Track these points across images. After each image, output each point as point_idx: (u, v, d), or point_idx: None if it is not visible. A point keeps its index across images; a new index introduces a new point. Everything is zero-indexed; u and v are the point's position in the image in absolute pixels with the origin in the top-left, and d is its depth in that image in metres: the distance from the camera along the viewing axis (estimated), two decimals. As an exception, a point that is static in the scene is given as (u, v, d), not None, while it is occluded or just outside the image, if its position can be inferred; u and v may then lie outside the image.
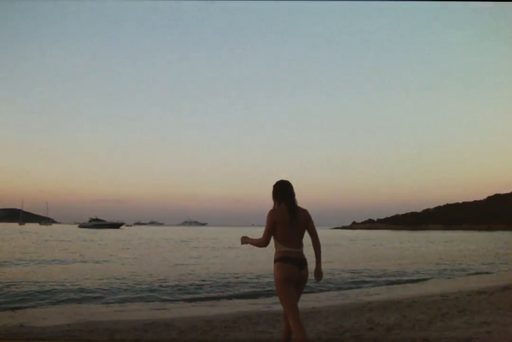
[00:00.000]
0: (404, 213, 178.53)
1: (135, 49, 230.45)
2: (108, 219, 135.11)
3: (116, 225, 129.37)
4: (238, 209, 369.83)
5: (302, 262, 4.38)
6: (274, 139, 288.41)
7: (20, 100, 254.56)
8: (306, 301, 12.23)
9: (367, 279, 17.52)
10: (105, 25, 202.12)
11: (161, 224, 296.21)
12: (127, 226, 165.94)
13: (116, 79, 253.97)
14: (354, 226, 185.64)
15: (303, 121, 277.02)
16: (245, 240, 4.72)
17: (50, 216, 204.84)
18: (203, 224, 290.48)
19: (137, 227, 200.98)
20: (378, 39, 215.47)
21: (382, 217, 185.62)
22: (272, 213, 4.50)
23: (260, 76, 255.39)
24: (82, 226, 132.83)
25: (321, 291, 14.38)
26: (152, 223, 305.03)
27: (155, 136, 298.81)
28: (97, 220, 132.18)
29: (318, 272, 4.59)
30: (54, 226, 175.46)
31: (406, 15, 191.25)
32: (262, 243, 4.48)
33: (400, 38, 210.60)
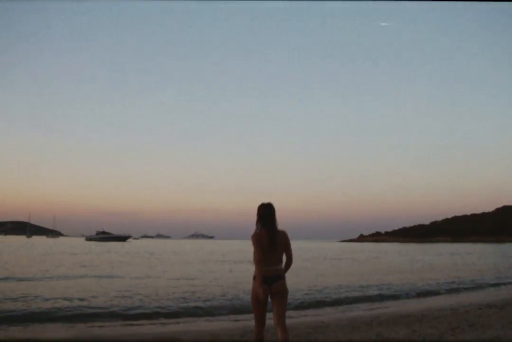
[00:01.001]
0: (411, 225, 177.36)
1: (136, 50, 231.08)
2: (115, 231, 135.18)
3: (123, 238, 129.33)
4: (245, 222, 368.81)
5: (276, 278, 5.17)
6: (280, 152, 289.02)
7: (28, 112, 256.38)
8: (314, 316, 12.13)
9: (376, 292, 17.31)
10: (106, 26, 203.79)
11: (168, 237, 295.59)
12: (134, 238, 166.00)
13: (120, 88, 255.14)
14: (361, 238, 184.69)
15: (309, 133, 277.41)
16: (257, 280, 5.13)
17: (57, 228, 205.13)
18: (210, 237, 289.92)
19: (144, 239, 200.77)
20: (381, 41, 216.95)
21: (390, 230, 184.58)
22: (254, 237, 5.16)
23: (264, 80, 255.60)
24: (89, 238, 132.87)
25: (330, 305, 14.23)
26: (159, 236, 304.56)
27: (162, 151, 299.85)
28: (104, 232, 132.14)
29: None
30: (61, 238, 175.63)
31: (411, 16, 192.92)
32: (259, 262, 5.09)
33: (404, 40, 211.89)
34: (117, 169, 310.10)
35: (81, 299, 14.02)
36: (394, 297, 16.41)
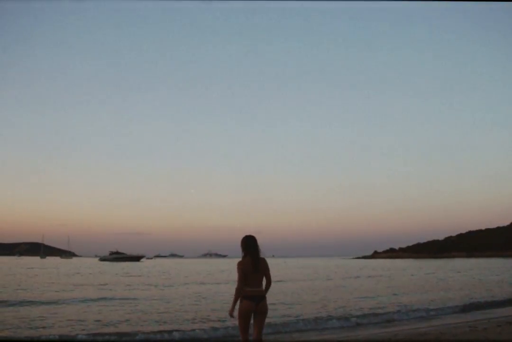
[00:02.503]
0: (425, 241, 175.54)
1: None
2: (128, 251, 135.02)
3: (136, 258, 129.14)
4: (259, 240, 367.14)
5: (260, 298, 6.23)
6: (291, 168, 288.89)
7: (36, 127, 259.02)
8: (324, 335, 12.07)
9: (389, 309, 17.18)
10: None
11: (181, 256, 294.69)
12: (147, 258, 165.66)
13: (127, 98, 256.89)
14: (376, 255, 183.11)
15: (319, 148, 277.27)
16: (232, 308, 6.30)
17: (71, 249, 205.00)
18: (224, 256, 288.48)
19: (157, 259, 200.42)
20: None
21: (404, 246, 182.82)
22: (240, 265, 6.26)
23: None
24: (102, 259, 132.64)
25: (342, 327, 14.10)
26: (172, 255, 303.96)
27: (174, 171, 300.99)
28: (117, 253, 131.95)
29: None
30: (74, 259, 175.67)
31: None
32: (239, 289, 6.21)
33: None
34: (130, 189, 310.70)
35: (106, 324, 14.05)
36: (412, 314, 16.27)
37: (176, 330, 12.45)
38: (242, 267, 6.22)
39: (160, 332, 12.31)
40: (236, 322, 6.39)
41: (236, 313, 6.26)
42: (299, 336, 12.13)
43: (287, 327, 13.27)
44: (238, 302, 6.27)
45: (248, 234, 6.50)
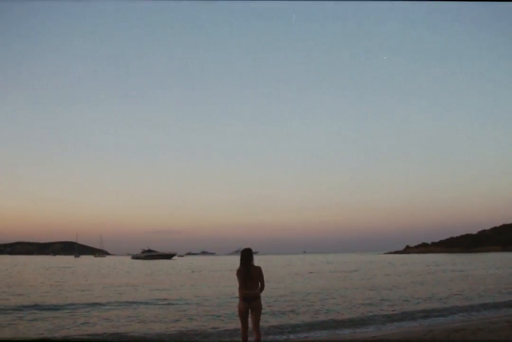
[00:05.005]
0: (458, 235, 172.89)
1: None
2: (160, 249, 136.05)
3: (168, 256, 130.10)
4: (290, 237, 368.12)
5: (253, 298, 7.65)
6: (323, 164, 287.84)
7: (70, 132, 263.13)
8: (366, 332, 12.01)
9: (433, 306, 17.01)
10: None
11: (213, 254, 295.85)
12: (179, 256, 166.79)
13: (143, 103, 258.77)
14: (408, 250, 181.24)
15: (346, 146, 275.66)
16: (240, 299, 7.73)
17: (104, 248, 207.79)
18: (255, 253, 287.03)
19: (188, 257, 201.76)
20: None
21: (436, 240, 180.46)
22: (237, 272, 7.78)
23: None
24: (135, 257, 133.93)
25: (382, 322, 14.04)
26: (204, 253, 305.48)
27: (205, 169, 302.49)
28: (149, 251, 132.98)
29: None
30: (107, 257, 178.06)
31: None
32: (240, 289, 7.69)
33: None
34: (161, 188, 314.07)
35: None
36: (446, 310, 16.12)
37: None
38: (238, 274, 7.79)
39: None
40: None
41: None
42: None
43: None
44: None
45: (246, 247, 8.04)
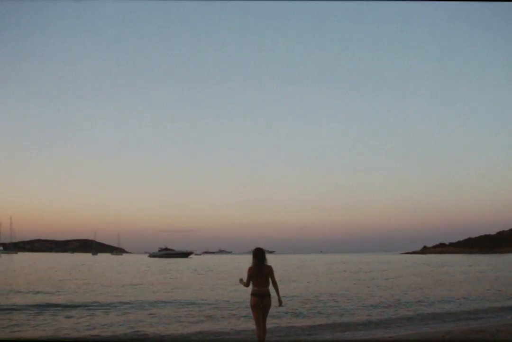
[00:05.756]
0: (477, 235, 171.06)
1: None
2: (177, 248, 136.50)
3: (185, 254, 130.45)
4: (306, 236, 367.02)
5: (265, 295, 8.03)
6: (342, 164, 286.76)
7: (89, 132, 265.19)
8: (382, 330, 12.04)
9: (453, 307, 16.97)
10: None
11: (230, 253, 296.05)
12: (196, 255, 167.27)
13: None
14: (425, 250, 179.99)
15: (360, 147, 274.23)
16: (240, 281, 8.32)
17: (121, 246, 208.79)
18: (271, 252, 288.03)
19: (205, 255, 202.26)
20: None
21: (454, 241, 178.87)
22: (249, 269, 8.15)
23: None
24: (152, 255, 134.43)
25: (400, 324, 14.04)
26: (221, 252, 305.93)
27: (222, 168, 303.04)
28: (166, 249, 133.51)
29: (279, 300, 8.17)
30: (125, 255, 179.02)
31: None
32: (246, 286, 8.19)
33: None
34: (178, 186, 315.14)
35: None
36: (467, 310, 16.08)
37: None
38: (250, 271, 8.14)
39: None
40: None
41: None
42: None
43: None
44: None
45: (258, 246, 8.40)
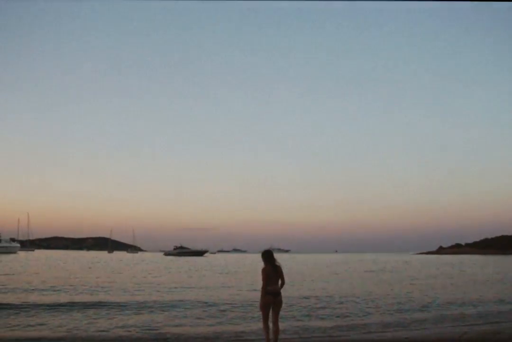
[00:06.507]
0: (493, 236, 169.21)
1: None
2: (192, 246, 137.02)
3: (200, 253, 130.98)
4: (322, 236, 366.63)
5: (277, 293, 8.57)
6: (361, 164, 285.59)
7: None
8: (398, 331, 12.03)
9: (469, 309, 16.89)
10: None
11: (244, 251, 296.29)
12: (211, 253, 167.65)
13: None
14: (441, 251, 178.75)
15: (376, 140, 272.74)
16: (262, 295, 8.59)
17: (136, 244, 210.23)
18: (286, 251, 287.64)
19: (220, 254, 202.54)
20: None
21: (470, 241, 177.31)
22: (264, 270, 8.60)
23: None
24: (167, 253, 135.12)
25: (416, 325, 14.01)
26: (235, 250, 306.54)
27: (236, 166, 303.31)
28: (181, 247, 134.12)
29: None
30: (140, 253, 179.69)
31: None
32: (265, 288, 8.50)
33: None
34: (193, 185, 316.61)
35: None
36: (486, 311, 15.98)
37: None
38: (266, 272, 8.59)
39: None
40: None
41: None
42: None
43: None
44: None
45: (267, 249, 9.06)
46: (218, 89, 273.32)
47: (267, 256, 8.81)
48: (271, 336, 8.74)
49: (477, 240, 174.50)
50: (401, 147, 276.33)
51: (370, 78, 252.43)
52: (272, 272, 8.63)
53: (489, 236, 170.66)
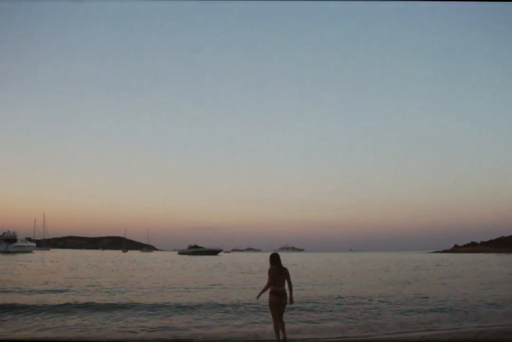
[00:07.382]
0: (509, 234, 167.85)
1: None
2: (206, 245, 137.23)
3: (214, 252, 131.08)
4: (336, 234, 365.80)
5: (282, 293, 9.18)
6: (374, 163, 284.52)
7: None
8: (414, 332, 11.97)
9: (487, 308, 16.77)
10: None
11: (258, 250, 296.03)
12: (225, 252, 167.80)
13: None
14: (456, 249, 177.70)
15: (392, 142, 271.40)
16: (259, 295, 9.49)
17: (151, 243, 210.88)
18: (300, 250, 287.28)
19: (234, 253, 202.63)
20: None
21: (486, 240, 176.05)
22: (270, 271, 9.28)
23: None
24: (181, 252, 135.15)
25: (432, 324, 13.93)
26: (249, 249, 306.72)
27: (250, 166, 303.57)
28: (195, 246, 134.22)
29: (290, 299, 9.34)
30: (154, 253, 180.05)
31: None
32: (268, 286, 9.29)
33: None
34: (207, 185, 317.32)
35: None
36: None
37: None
38: (271, 272, 9.27)
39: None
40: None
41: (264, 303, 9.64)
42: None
43: None
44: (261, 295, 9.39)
45: (273, 252, 9.81)
46: (219, 88, 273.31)
47: (274, 258, 9.49)
48: (281, 336, 9.28)
49: (493, 238, 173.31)
50: (416, 146, 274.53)
51: (370, 78, 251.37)
52: (278, 273, 9.30)
53: (505, 235, 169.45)
